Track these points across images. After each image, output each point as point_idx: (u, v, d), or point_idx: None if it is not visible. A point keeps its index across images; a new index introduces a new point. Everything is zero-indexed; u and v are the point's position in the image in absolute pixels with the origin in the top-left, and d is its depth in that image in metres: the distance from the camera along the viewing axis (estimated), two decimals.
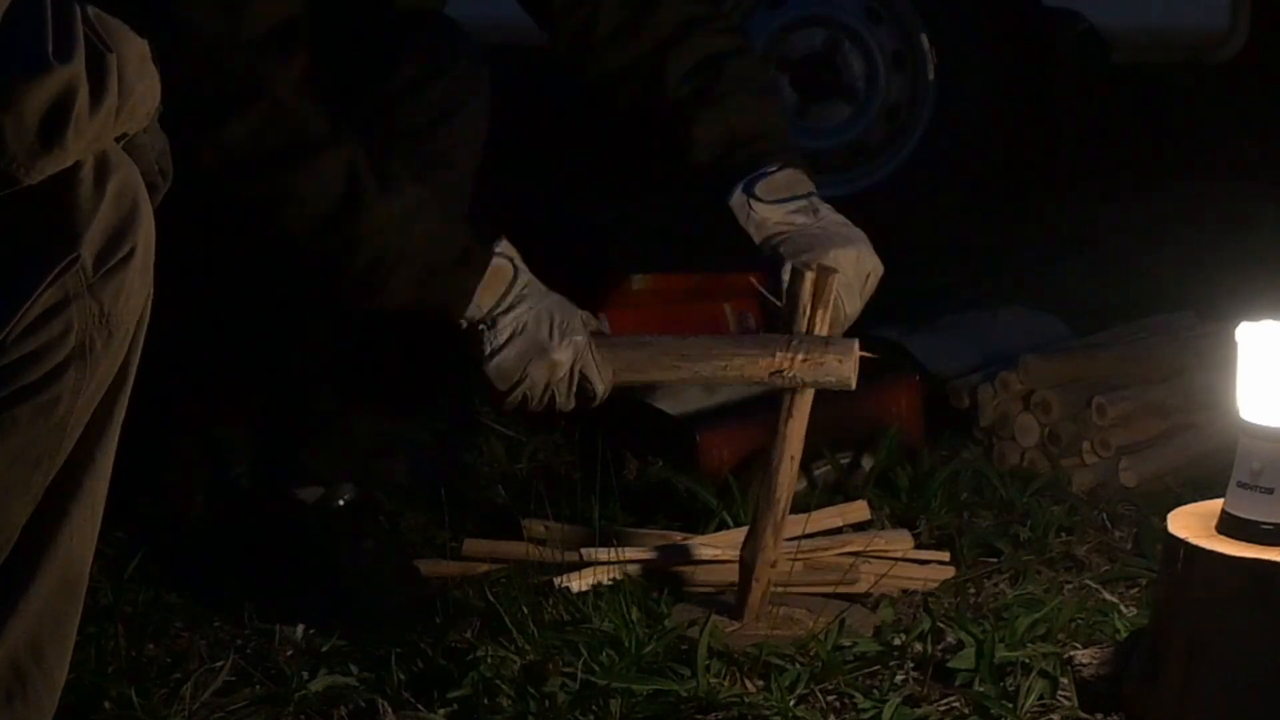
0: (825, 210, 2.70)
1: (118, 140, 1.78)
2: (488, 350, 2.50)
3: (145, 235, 1.79)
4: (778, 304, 2.60)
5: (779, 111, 2.84)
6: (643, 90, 2.79)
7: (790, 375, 2.54)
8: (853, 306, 2.65)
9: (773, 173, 2.70)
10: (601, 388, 2.54)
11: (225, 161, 2.40)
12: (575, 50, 2.80)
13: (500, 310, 2.50)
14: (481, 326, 2.50)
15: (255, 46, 2.41)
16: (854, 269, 2.64)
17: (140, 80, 1.73)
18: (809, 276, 2.53)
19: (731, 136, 2.73)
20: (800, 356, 2.53)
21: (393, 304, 2.48)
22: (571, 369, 2.52)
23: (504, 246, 2.53)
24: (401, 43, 2.62)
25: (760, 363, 2.54)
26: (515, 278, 2.51)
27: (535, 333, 2.50)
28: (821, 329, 2.54)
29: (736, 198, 2.70)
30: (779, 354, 2.54)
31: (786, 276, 2.59)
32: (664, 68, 2.77)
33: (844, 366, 2.54)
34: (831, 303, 2.55)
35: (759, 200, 2.69)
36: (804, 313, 2.53)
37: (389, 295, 2.47)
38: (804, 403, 2.58)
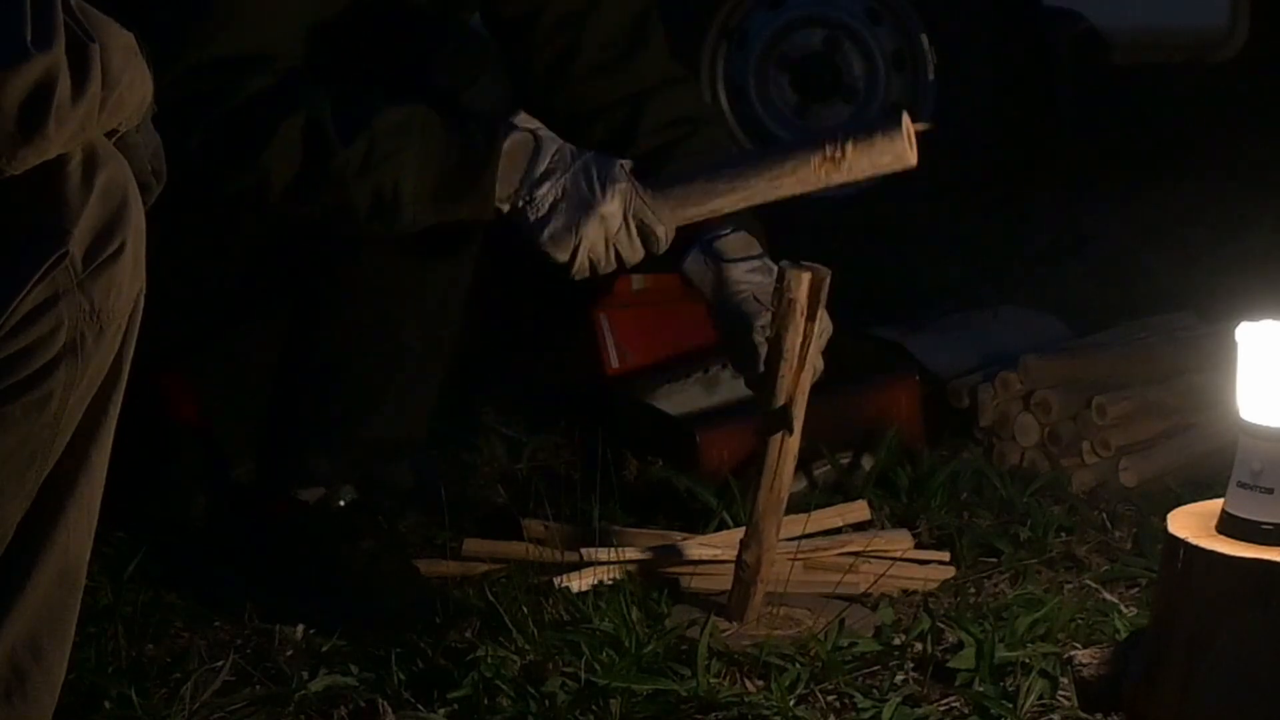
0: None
1: (108, 136, 1.78)
2: (535, 225, 2.44)
3: (135, 230, 1.79)
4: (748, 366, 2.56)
5: None
6: (613, 133, 2.78)
7: (845, 165, 2.45)
8: (819, 363, 2.64)
9: (726, 234, 2.70)
10: (662, 229, 2.48)
11: (194, 166, 2.39)
12: (549, 80, 2.79)
13: (533, 182, 2.44)
14: (522, 204, 2.45)
15: (216, 66, 2.41)
16: (819, 340, 2.62)
17: (126, 71, 1.72)
18: (805, 277, 2.51)
19: None
20: (850, 144, 2.45)
21: (422, 223, 2.44)
22: (626, 218, 2.46)
23: (521, 119, 2.47)
24: (426, 56, 2.61)
25: (813, 161, 2.46)
26: (539, 147, 2.46)
27: (576, 192, 2.44)
28: (820, 332, 2.53)
29: (694, 257, 2.70)
30: (829, 149, 2.45)
31: (759, 338, 2.57)
32: (639, 115, 2.78)
33: (896, 146, 2.45)
34: (823, 305, 2.53)
35: (718, 259, 2.68)
36: (801, 313, 2.52)
37: (411, 218, 2.43)
38: (801, 396, 2.56)
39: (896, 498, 3.07)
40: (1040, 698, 2.37)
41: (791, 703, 2.36)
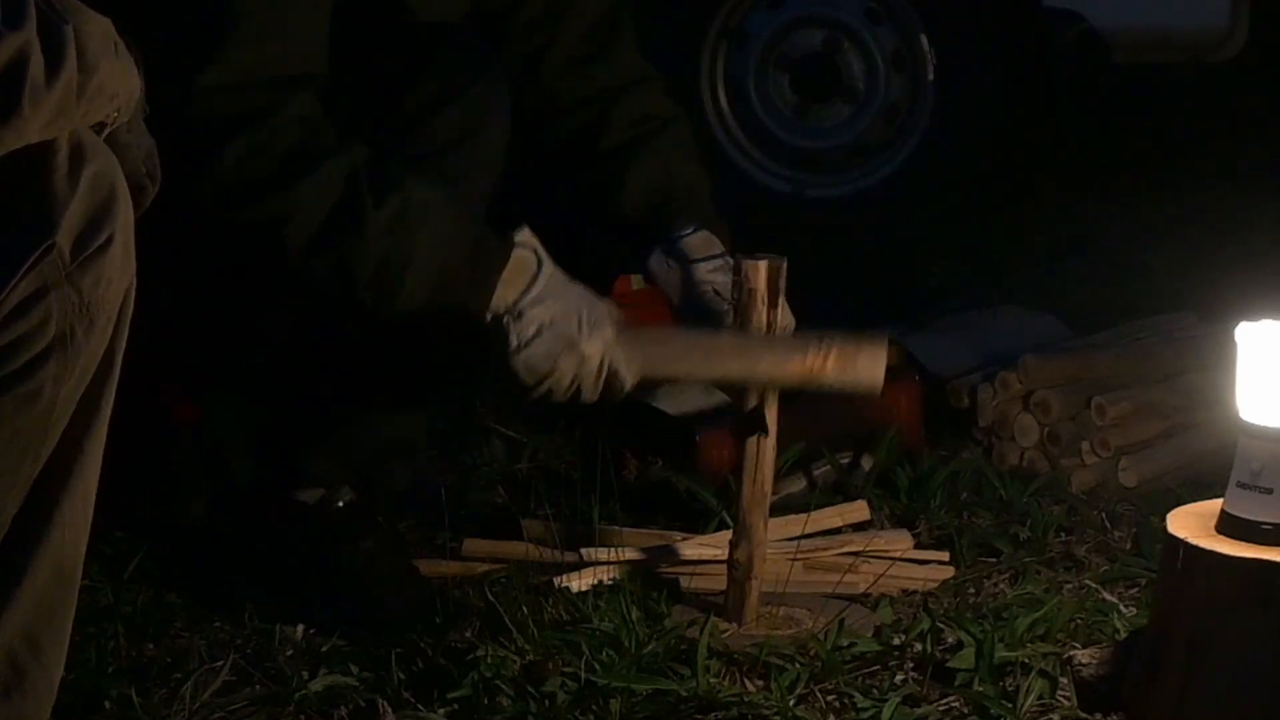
0: None
1: (97, 131, 1.78)
2: (515, 344, 2.46)
3: (124, 223, 1.78)
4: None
5: (707, 179, 2.84)
6: (583, 127, 2.80)
7: (820, 378, 2.50)
8: None
9: (689, 234, 2.71)
10: (630, 381, 2.50)
11: (222, 186, 2.38)
12: (521, 75, 2.79)
13: (526, 303, 2.46)
14: (507, 319, 2.46)
15: (258, 85, 2.39)
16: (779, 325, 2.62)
17: (103, 57, 1.72)
18: (762, 266, 2.51)
19: (665, 191, 2.75)
20: (832, 357, 2.50)
21: (413, 307, 2.45)
22: (601, 362, 2.48)
23: (524, 236, 2.49)
24: (423, 60, 2.60)
25: (790, 363, 2.51)
26: (540, 269, 2.47)
27: (564, 327, 2.46)
28: (782, 318, 2.53)
29: (656, 257, 2.71)
30: (810, 353, 2.50)
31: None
32: (610, 111, 2.79)
33: (874, 369, 2.51)
34: (783, 293, 2.53)
35: (681, 259, 2.69)
36: (762, 302, 2.52)
37: (407, 298, 2.43)
38: (773, 391, 2.56)
39: (896, 498, 3.07)
40: (1040, 698, 2.37)
41: (791, 703, 2.36)
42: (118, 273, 1.78)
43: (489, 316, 2.47)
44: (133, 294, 1.83)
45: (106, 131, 1.79)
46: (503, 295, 2.46)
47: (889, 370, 3.26)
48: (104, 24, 1.73)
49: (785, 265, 2.52)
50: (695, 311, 2.68)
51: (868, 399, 3.12)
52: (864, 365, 2.51)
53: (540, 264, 2.48)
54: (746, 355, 2.53)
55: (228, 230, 2.44)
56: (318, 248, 2.41)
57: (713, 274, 2.69)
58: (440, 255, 2.43)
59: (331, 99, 2.45)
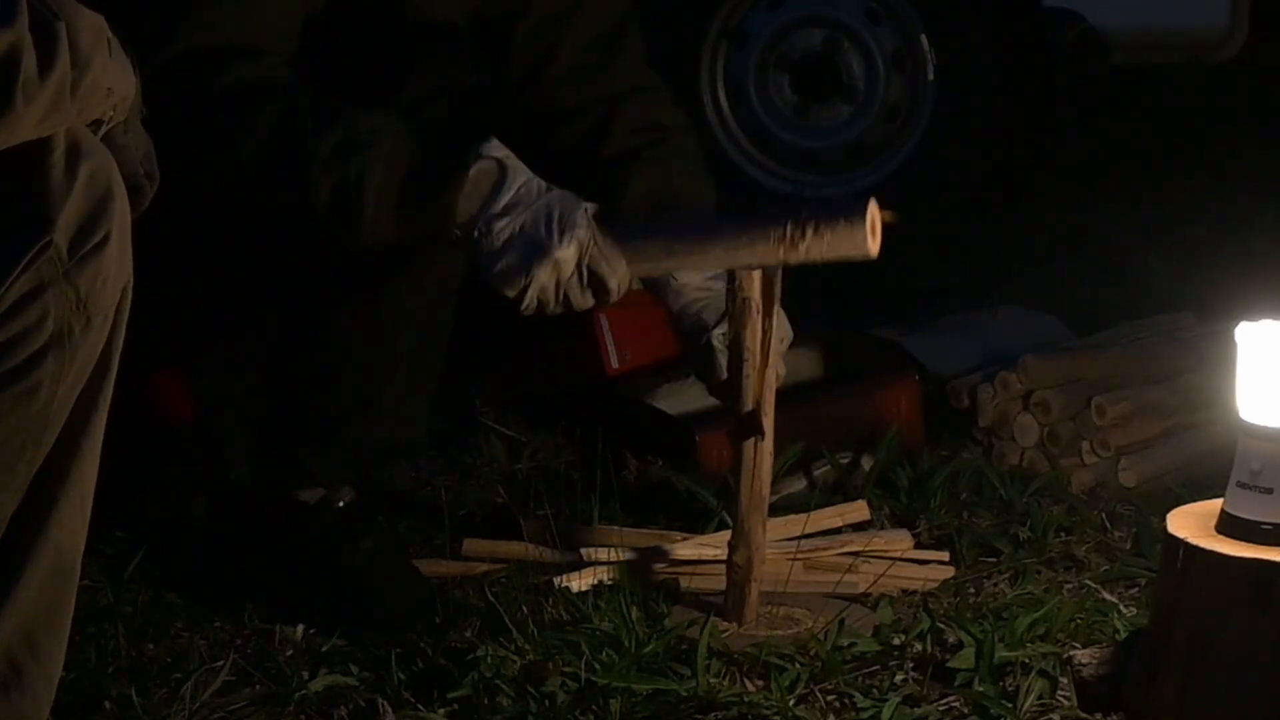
0: None
1: (94, 129, 1.78)
2: (486, 258, 2.41)
3: (120, 221, 1.78)
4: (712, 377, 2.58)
5: (711, 189, 2.84)
6: (588, 132, 2.80)
7: (803, 247, 2.43)
8: (781, 368, 2.64)
9: None
10: (615, 281, 2.44)
11: (181, 150, 2.37)
12: (525, 81, 2.80)
13: (494, 213, 2.41)
14: (476, 233, 2.41)
15: (203, 54, 2.41)
16: (778, 340, 2.62)
17: (96, 52, 1.72)
18: (756, 275, 2.49)
19: (665, 199, 2.75)
20: (810, 228, 2.42)
21: (381, 232, 2.41)
22: (579, 265, 2.43)
23: (491, 147, 2.43)
24: (412, 59, 2.60)
25: (771, 237, 2.43)
26: (505, 178, 2.42)
27: (534, 233, 2.40)
28: (779, 328, 2.53)
29: None
30: (789, 227, 2.42)
31: (718, 344, 2.59)
32: (614, 117, 2.79)
33: (855, 234, 2.41)
34: (778, 300, 2.52)
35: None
36: (756, 310, 2.51)
37: (371, 222, 2.39)
38: (768, 398, 2.56)
39: (896, 498, 3.07)
40: (1040, 698, 2.37)
41: (791, 703, 2.36)
42: (115, 270, 1.79)
43: (456, 233, 2.42)
44: (130, 292, 1.83)
45: (103, 130, 1.79)
46: (466, 208, 2.41)
47: (887, 369, 3.28)
48: (97, 20, 1.73)
49: (780, 274, 2.52)
50: (689, 322, 2.68)
51: (869, 398, 3.15)
52: (844, 232, 2.42)
53: (506, 172, 2.42)
54: (728, 241, 2.46)
55: (189, 183, 2.42)
56: (265, 183, 2.40)
57: (708, 283, 2.69)
58: (393, 176, 2.39)
59: (324, 95, 2.45)
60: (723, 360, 2.61)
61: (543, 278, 2.41)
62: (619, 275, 2.45)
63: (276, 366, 2.70)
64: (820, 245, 2.42)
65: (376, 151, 2.39)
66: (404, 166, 2.40)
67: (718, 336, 2.63)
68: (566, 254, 2.41)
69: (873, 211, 2.41)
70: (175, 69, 2.39)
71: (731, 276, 2.52)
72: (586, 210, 2.44)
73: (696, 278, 2.69)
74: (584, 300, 2.45)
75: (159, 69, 2.34)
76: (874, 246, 2.42)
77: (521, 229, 2.41)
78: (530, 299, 2.43)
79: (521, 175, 2.43)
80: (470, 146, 2.44)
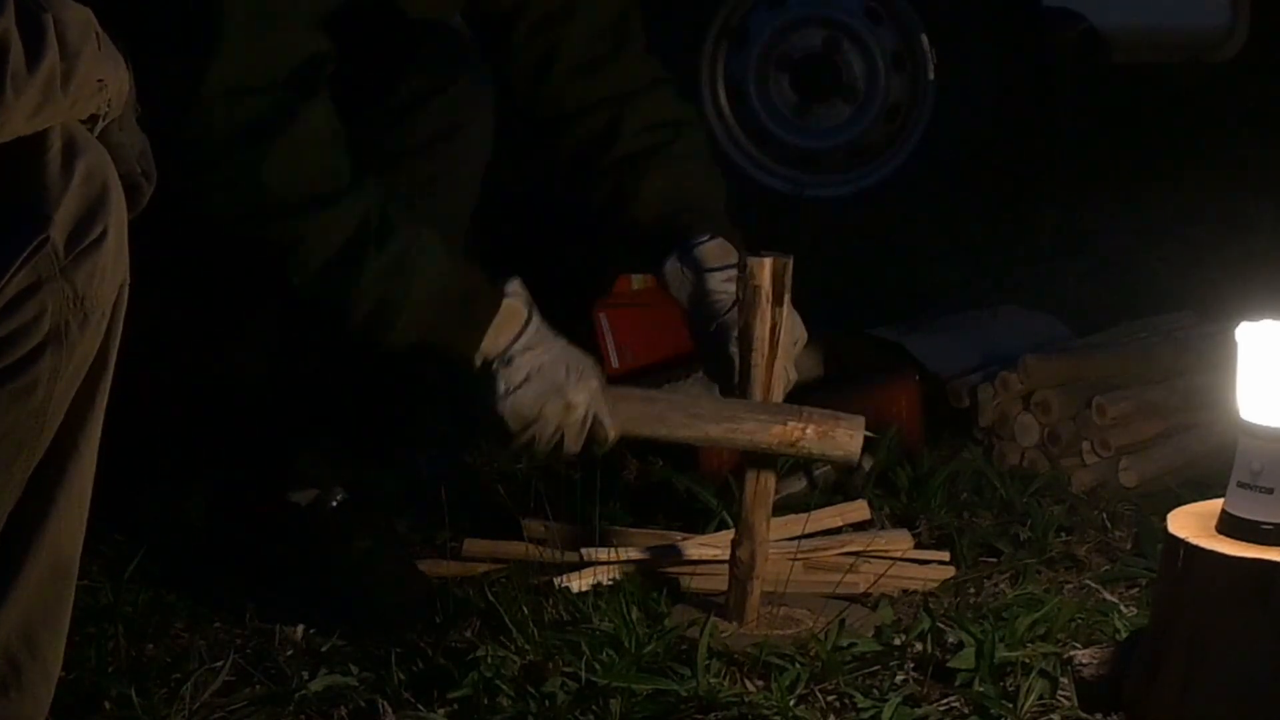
0: None
1: (88, 126, 1.77)
2: (503, 389, 2.48)
3: (117, 219, 1.78)
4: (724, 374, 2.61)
5: (723, 186, 2.84)
6: (596, 133, 2.78)
7: (800, 445, 2.54)
8: (793, 372, 2.65)
9: (705, 241, 2.71)
10: (613, 434, 2.53)
11: (240, 200, 2.39)
12: (530, 82, 2.79)
13: (516, 349, 2.49)
14: (496, 365, 2.49)
15: (280, 83, 2.39)
16: (789, 336, 2.62)
17: (85, 45, 1.72)
18: (767, 264, 2.52)
19: (679, 199, 2.74)
20: (811, 427, 2.54)
21: (401, 346, 2.47)
22: (586, 412, 2.51)
23: (515, 286, 2.52)
24: (406, 57, 2.60)
25: (771, 430, 2.54)
26: (529, 319, 2.50)
27: (553, 374, 2.48)
28: (786, 317, 2.54)
29: (672, 263, 2.71)
30: (790, 422, 2.54)
31: (734, 351, 2.60)
32: (621, 117, 2.78)
33: (852, 442, 2.56)
34: (789, 291, 2.54)
35: (696, 267, 2.69)
36: (766, 299, 2.52)
37: (397, 338, 2.46)
38: (777, 395, 2.57)
39: (896, 498, 3.07)
40: (1040, 698, 2.37)
41: (791, 703, 2.36)
42: (112, 268, 1.78)
43: (479, 362, 2.49)
44: (127, 291, 1.83)
45: (99, 127, 1.79)
46: (493, 341, 2.48)
47: (887, 369, 3.29)
48: (84, 14, 1.73)
49: (791, 263, 2.53)
50: (706, 322, 2.68)
51: (869, 398, 3.14)
52: (842, 438, 2.56)
53: (530, 314, 2.51)
54: (728, 420, 2.55)
55: (230, 237, 2.43)
56: (319, 279, 2.43)
57: (727, 284, 2.68)
58: (435, 301, 2.45)
59: (381, 181, 2.46)
60: (739, 365, 2.62)
61: (551, 415, 2.49)
62: (615, 430, 2.54)
63: (273, 367, 2.70)
64: (815, 446, 2.56)
65: (420, 279, 2.44)
66: (441, 294, 2.45)
67: (735, 341, 2.62)
68: (579, 398, 2.50)
69: (863, 428, 2.58)
70: (229, 103, 2.37)
71: (743, 264, 2.54)
72: (596, 365, 2.54)
73: (715, 279, 2.69)
74: (575, 447, 2.53)
75: (208, 99, 2.35)
76: (858, 456, 2.60)
77: (541, 369, 2.49)
78: (528, 435, 2.51)
79: (538, 318, 2.51)
80: (498, 283, 2.51)
